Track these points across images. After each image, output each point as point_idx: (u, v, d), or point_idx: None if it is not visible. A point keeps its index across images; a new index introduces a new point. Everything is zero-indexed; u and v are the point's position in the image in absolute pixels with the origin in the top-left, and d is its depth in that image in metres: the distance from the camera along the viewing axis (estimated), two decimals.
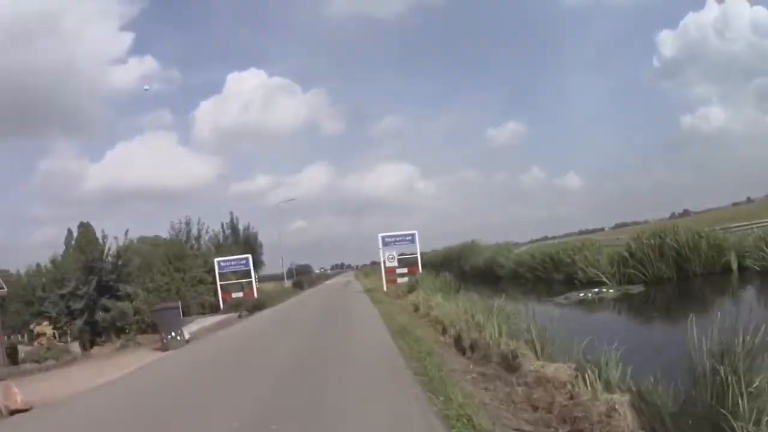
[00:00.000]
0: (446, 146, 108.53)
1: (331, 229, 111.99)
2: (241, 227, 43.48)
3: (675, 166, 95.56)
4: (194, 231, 35.15)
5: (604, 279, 22.63)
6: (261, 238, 47.34)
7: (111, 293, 22.55)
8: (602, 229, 70.78)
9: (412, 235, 30.30)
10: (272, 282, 55.92)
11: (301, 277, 58.97)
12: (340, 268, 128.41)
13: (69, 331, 21.49)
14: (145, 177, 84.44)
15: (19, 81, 68.02)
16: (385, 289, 29.56)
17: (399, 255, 30.07)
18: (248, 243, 42.39)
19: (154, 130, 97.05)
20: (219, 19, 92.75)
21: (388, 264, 29.58)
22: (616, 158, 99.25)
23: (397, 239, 30.09)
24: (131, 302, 21.98)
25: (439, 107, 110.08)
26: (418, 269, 29.58)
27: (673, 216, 65.71)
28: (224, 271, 30.45)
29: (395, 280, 29.76)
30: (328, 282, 73.19)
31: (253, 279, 30.39)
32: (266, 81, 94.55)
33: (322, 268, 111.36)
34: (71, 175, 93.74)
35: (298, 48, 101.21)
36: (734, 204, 70.91)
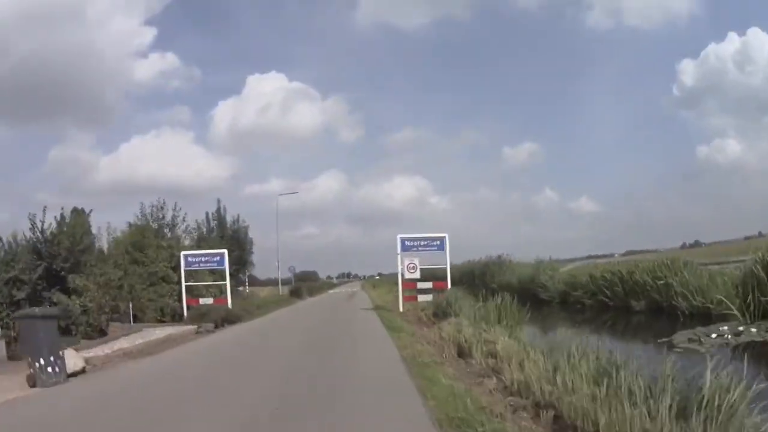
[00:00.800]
0: (461, 162, 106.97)
1: (340, 238, 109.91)
2: (229, 219, 36.11)
3: (688, 196, 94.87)
4: (169, 217, 28.20)
5: (732, 311, 15.43)
6: (261, 238, 40.04)
7: (62, 285, 19.71)
8: (612, 255, 67.29)
9: (441, 239, 23.15)
10: (269, 287, 49.09)
11: (302, 285, 51.75)
12: (346, 278, 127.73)
13: (13, 325, 17.03)
14: (158, 172, 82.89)
15: (39, 67, 66.93)
16: (401, 308, 22.41)
17: (421, 265, 22.85)
18: (236, 239, 35.20)
19: (170, 126, 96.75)
20: (243, 21, 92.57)
21: (407, 275, 22.40)
22: (630, 185, 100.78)
23: (421, 244, 22.94)
24: (78, 298, 18.71)
25: (457, 123, 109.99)
26: (447, 285, 22.44)
27: (684, 246, 63.88)
28: (192, 268, 23.44)
29: (415, 297, 22.63)
30: (331, 291, 67.55)
31: (227, 283, 23.26)
32: (286, 85, 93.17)
33: (329, 277, 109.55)
34: (83, 165, 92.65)
35: (320, 54, 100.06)
36: (746, 238, 66.82)
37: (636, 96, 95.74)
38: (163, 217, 27.91)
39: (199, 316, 21.27)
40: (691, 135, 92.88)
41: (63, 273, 20.30)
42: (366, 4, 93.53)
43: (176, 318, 22.76)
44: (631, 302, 22.16)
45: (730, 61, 79.90)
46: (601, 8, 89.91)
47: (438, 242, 23.02)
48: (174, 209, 28.59)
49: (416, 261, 22.45)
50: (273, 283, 50.63)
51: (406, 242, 22.68)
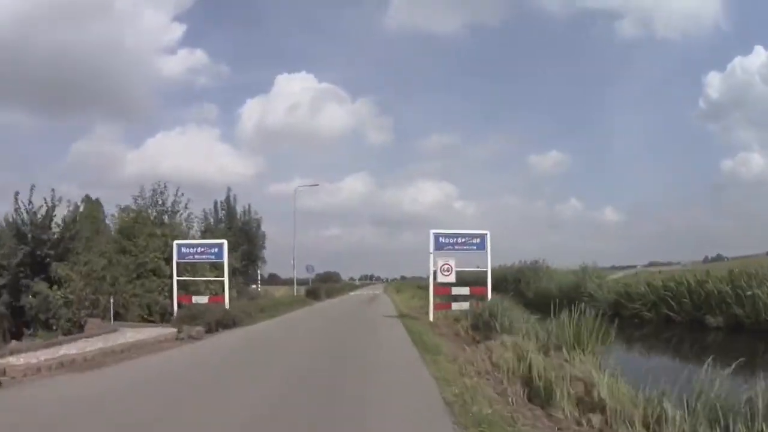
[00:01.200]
0: (488, 168, 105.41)
1: (364, 240, 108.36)
2: (240, 210, 32.53)
3: (712, 209, 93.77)
4: (169, 203, 24.83)
5: None
6: (285, 237, 36.28)
7: (46, 273, 18.16)
8: (634, 267, 65.86)
9: (482, 237, 19.30)
10: (286, 287, 45.60)
11: (320, 286, 48.21)
12: (368, 280, 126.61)
13: None
14: (183, 168, 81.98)
15: (68, 60, 67.66)
16: (431, 317, 18.58)
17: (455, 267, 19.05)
18: (246, 232, 31.64)
19: (197, 123, 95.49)
20: (273, 20, 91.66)
21: (440, 278, 18.60)
22: (654, 196, 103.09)
23: (458, 241, 19.13)
24: (59, 288, 17.35)
25: (484, 129, 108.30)
26: (487, 291, 18.62)
27: (706, 260, 63.50)
28: (187, 260, 19.98)
29: (448, 305, 18.84)
30: (352, 293, 64.32)
31: (225, 279, 19.69)
32: (315, 85, 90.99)
33: (351, 278, 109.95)
34: (108, 158, 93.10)
35: (350, 56, 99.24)
36: None
37: (662, 107, 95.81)
38: (163, 203, 24.56)
39: (191, 317, 17.76)
40: (716, 148, 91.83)
41: (48, 260, 18.52)
42: (397, 7, 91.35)
43: (166, 317, 19.32)
44: (706, 317, 18.27)
45: (756, 74, 78.44)
46: (632, 18, 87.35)
47: (478, 240, 19.16)
48: (176, 194, 25.26)
49: (452, 262, 18.63)
50: (298, 282, 47.39)
51: (440, 239, 18.86)
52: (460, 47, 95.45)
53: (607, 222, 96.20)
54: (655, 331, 20.37)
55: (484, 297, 18.15)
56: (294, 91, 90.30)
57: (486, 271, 19.08)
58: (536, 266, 41.19)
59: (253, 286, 35.74)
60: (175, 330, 15.61)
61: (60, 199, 20.43)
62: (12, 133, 71.76)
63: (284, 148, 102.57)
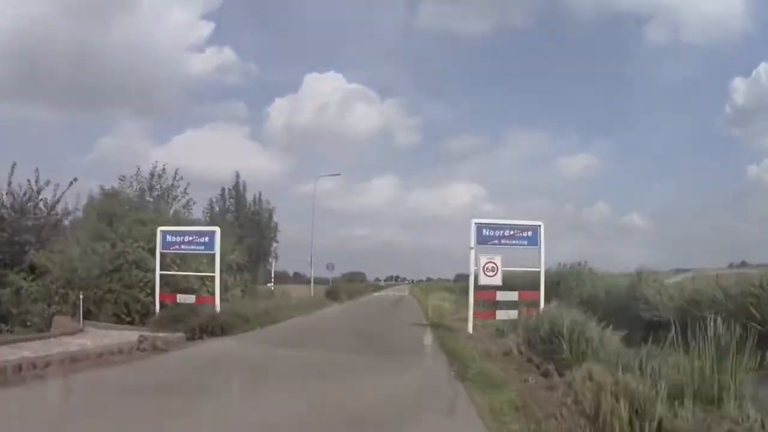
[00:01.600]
0: (516, 171, 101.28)
1: (390, 241, 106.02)
2: (249, 198, 28.96)
3: (736, 215, 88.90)
4: (167, 186, 21.61)
5: None
6: (312, 237, 32.67)
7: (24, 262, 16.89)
8: (685, 270, 61.29)
9: (534, 230, 15.53)
10: (304, 286, 42.19)
11: (340, 286, 44.79)
12: (394, 281, 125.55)
13: None
14: (210, 166, 78.64)
15: (94, 55, 64.40)
16: (470, 328, 14.81)
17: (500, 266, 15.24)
18: (256, 222, 28.10)
19: (225, 121, 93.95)
20: (302, 19, 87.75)
21: (483, 280, 14.84)
22: (679, 202, 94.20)
23: (505, 234, 15.38)
24: (33, 280, 16.15)
25: (514, 131, 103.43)
26: (540, 297, 14.82)
27: (731, 266, 58.44)
28: (172, 250, 16.60)
29: (492, 313, 15.10)
30: (376, 294, 60.83)
31: (216, 275, 16.19)
32: (344, 85, 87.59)
33: (377, 279, 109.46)
34: (134, 154, 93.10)
35: (379, 57, 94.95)
36: None
37: (688, 112, 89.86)
38: (161, 187, 21.34)
39: (171, 319, 14.36)
40: (742, 154, 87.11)
41: (27, 247, 17.39)
42: (426, 8, 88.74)
43: (149, 317, 15.97)
44: None
45: None
46: (659, 22, 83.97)
47: (529, 233, 15.35)
48: (174, 178, 22.01)
49: (498, 260, 14.86)
50: (318, 281, 44.11)
51: (483, 231, 15.09)
52: (490, 48, 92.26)
53: (633, 227, 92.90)
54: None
55: (536, 304, 14.40)
56: (323, 91, 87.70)
57: (539, 272, 15.27)
58: (578, 269, 37.01)
59: (271, 284, 32.35)
60: (142, 335, 12.19)
61: (48, 182, 18.53)
62: (37, 128, 70.41)
63: (312, 147, 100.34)
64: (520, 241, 15.29)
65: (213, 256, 16.19)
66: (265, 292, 29.38)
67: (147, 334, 12.35)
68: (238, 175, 28.79)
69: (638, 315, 21.97)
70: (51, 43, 60.48)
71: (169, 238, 16.31)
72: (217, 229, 16.38)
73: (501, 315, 14.64)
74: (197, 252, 16.65)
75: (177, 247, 16.40)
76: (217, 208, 26.95)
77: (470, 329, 14.75)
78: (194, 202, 22.01)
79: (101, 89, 70.45)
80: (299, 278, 52.30)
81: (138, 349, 10.96)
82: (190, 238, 16.30)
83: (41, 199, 18.78)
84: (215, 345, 12.45)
